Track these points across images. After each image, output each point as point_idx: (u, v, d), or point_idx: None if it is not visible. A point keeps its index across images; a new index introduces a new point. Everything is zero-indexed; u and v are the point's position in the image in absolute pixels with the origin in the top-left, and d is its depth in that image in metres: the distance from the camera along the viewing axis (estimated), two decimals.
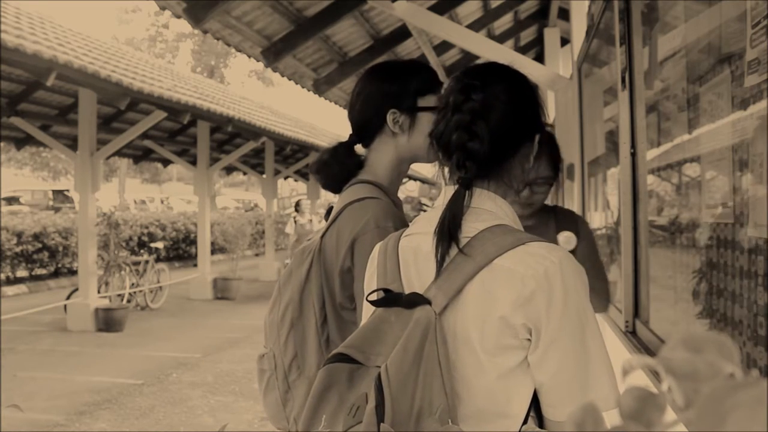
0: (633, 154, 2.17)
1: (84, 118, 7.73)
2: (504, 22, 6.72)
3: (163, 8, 3.66)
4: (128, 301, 8.72)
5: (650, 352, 1.88)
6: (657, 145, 2.07)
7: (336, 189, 1.45)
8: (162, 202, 32.74)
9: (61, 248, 12.06)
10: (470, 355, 0.96)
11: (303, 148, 12.93)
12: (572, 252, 1.85)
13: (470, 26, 5.62)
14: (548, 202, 2.03)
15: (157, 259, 10.66)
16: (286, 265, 10.96)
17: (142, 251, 12.51)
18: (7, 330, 7.28)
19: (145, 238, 13.83)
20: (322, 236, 1.37)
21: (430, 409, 0.90)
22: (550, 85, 3.96)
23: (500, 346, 0.95)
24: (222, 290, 10.51)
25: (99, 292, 8.24)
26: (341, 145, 1.44)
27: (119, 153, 11.75)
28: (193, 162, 11.38)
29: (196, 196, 11.10)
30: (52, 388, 5.38)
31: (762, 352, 1.14)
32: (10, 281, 11.25)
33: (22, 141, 10.07)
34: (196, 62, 36.61)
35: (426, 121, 1.36)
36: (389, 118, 1.37)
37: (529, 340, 0.94)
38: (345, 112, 1.51)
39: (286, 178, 16.58)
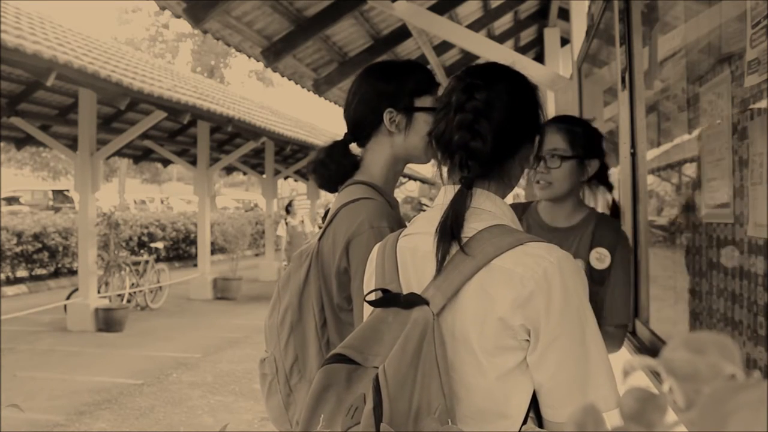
0: (633, 154, 2.17)
1: (84, 118, 7.73)
2: (504, 22, 6.71)
3: (163, 8, 3.66)
4: (128, 301, 8.72)
5: (650, 352, 1.88)
6: (657, 145, 2.07)
7: (332, 189, 1.45)
8: (162, 202, 32.73)
9: (61, 248, 12.06)
10: (469, 355, 0.96)
11: (303, 148, 12.93)
12: (603, 272, 1.69)
13: (470, 26, 5.62)
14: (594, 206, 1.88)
15: (157, 259, 10.65)
16: (285, 267, 10.76)
17: (142, 251, 12.51)
18: (7, 330, 7.28)
19: (145, 238, 13.82)
20: (319, 239, 1.37)
21: (428, 410, 0.90)
22: (550, 85, 3.96)
23: (499, 346, 0.94)
24: (222, 290, 10.51)
25: (99, 292, 8.24)
26: (336, 144, 1.44)
27: (119, 153, 11.75)
28: (193, 162, 11.38)
29: (196, 196, 11.10)
30: (52, 388, 5.37)
31: (762, 352, 1.14)
32: (10, 281, 11.25)
33: (22, 141, 10.07)
34: (196, 62, 36.59)
35: (422, 122, 1.36)
36: (386, 117, 1.37)
37: (527, 340, 0.94)
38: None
39: (286, 178, 16.57)
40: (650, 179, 2.14)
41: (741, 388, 0.26)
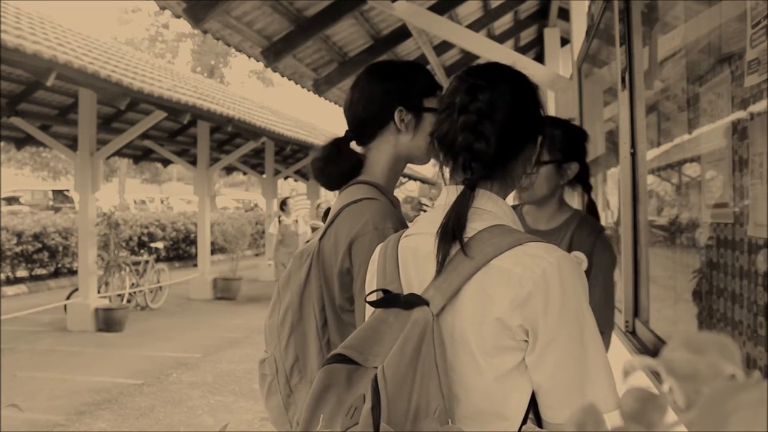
0: (633, 154, 2.17)
1: (84, 118, 7.73)
2: (504, 22, 6.72)
3: (163, 8, 3.66)
4: (128, 301, 8.72)
5: (650, 352, 1.88)
6: (657, 145, 2.07)
7: (336, 187, 1.44)
8: (162, 202, 32.74)
9: (61, 248, 12.06)
10: (468, 356, 0.96)
11: (303, 148, 12.93)
12: None
13: (470, 26, 5.62)
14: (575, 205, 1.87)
15: (157, 259, 10.65)
16: (269, 265, 10.41)
17: (142, 251, 12.52)
18: (7, 330, 7.28)
19: (145, 238, 13.83)
20: (321, 238, 1.36)
21: (427, 410, 0.90)
22: (550, 85, 3.96)
23: (497, 347, 0.94)
24: (222, 290, 10.50)
25: (99, 292, 8.24)
26: (339, 142, 1.43)
27: (119, 153, 11.75)
28: (193, 162, 11.38)
29: (196, 196, 11.10)
30: (52, 388, 5.37)
31: (762, 352, 1.14)
32: (10, 281, 11.25)
33: (22, 141, 10.07)
34: (196, 62, 36.60)
35: (429, 123, 1.35)
36: (396, 115, 1.36)
37: (526, 341, 0.94)
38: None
39: (286, 178, 16.56)
40: (650, 179, 2.14)
41: (741, 388, 0.26)
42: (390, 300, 1.01)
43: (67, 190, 25.41)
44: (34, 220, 12.10)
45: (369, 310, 1.07)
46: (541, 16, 6.77)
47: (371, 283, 1.13)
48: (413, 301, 0.98)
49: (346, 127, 1.44)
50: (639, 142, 2.14)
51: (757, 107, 1.15)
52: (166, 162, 13.94)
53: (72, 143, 9.32)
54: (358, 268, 1.28)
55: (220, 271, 11.40)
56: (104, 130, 9.39)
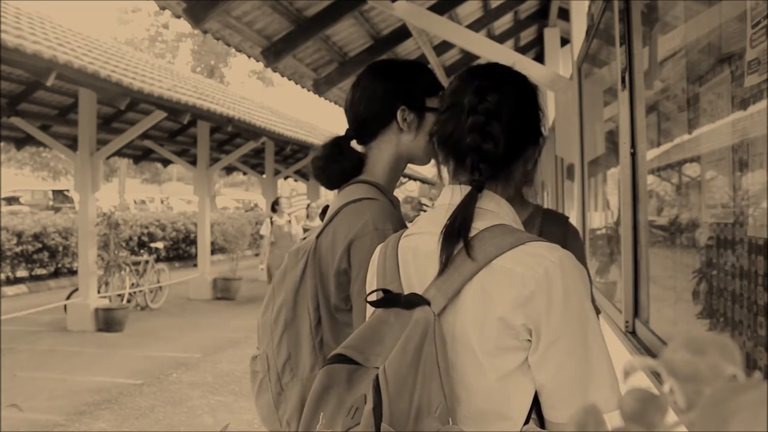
0: (633, 154, 2.17)
1: (84, 118, 7.73)
2: (504, 22, 6.72)
3: (163, 8, 3.66)
4: (128, 301, 8.72)
5: (650, 352, 1.88)
6: (657, 145, 2.07)
7: (336, 187, 1.42)
8: (162, 202, 32.75)
9: (61, 248, 12.06)
10: (470, 356, 0.96)
11: (303, 148, 12.93)
12: None
13: (470, 26, 5.62)
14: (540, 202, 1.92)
15: (157, 259, 10.65)
16: (262, 270, 10.08)
17: (142, 251, 12.51)
18: (7, 330, 7.28)
19: (145, 238, 13.83)
20: (318, 236, 1.35)
21: (428, 411, 0.90)
22: (550, 85, 3.96)
23: (500, 347, 0.94)
24: (222, 290, 10.50)
25: (99, 292, 8.24)
26: (340, 141, 1.41)
27: (119, 153, 11.76)
28: (193, 162, 11.38)
29: (196, 196, 11.10)
30: (52, 388, 5.37)
31: (762, 352, 1.14)
32: (10, 281, 11.25)
33: (22, 141, 10.08)
34: (196, 62, 36.60)
35: (431, 123, 1.34)
36: (399, 115, 1.35)
37: (529, 341, 0.93)
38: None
39: (286, 178, 16.58)
40: (650, 179, 2.13)
41: (742, 389, 0.26)
42: (391, 300, 1.01)
43: (67, 190, 25.42)
44: (34, 220, 12.10)
45: (369, 309, 1.07)
46: (541, 16, 6.77)
47: (371, 283, 1.13)
48: (414, 301, 0.97)
49: (346, 127, 1.43)
50: (639, 142, 2.14)
51: (757, 107, 1.15)
52: (166, 162, 13.94)
53: (72, 143, 9.32)
54: (357, 269, 1.27)
55: (220, 271, 11.40)
56: (104, 130, 9.39)
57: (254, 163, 15.09)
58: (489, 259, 0.94)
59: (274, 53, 4.42)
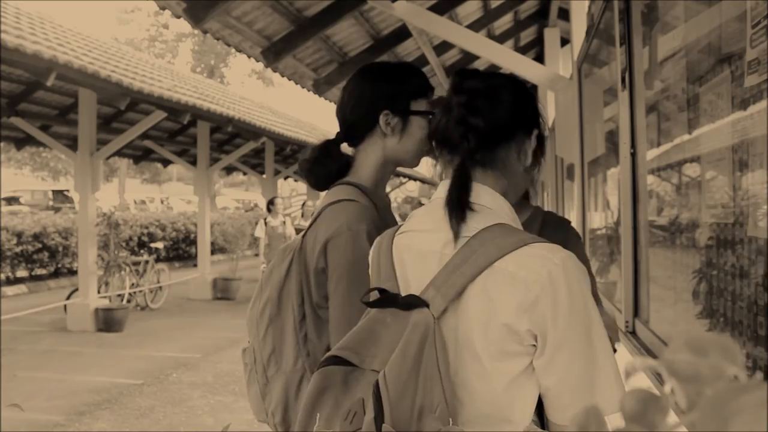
0: (633, 154, 2.17)
1: (84, 118, 7.73)
2: (504, 22, 6.72)
3: (163, 8, 3.66)
4: (128, 301, 8.72)
5: (650, 352, 1.88)
6: (657, 145, 2.07)
7: (324, 188, 1.45)
8: (162, 202, 32.75)
9: (61, 248, 12.06)
10: (473, 360, 0.94)
11: (303, 148, 12.88)
12: None
13: (470, 26, 5.62)
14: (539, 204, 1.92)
15: (157, 259, 10.64)
16: (262, 270, 10.09)
17: (142, 251, 12.51)
18: (7, 330, 7.28)
19: (145, 238, 13.82)
20: (304, 235, 1.39)
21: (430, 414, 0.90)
22: (550, 85, 3.96)
23: (505, 352, 0.93)
24: (222, 290, 10.50)
25: (99, 292, 8.24)
26: (329, 143, 1.44)
27: (119, 153, 11.75)
28: (193, 162, 11.38)
29: (196, 196, 11.09)
30: (52, 388, 5.37)
31: (762, 352, 1.14)
32: (10, 281, 11.25)
33: (22, 141, 10.07)
34: (196, 62, 36.61)
35: (417, 126, 1.36)
36: (381, 119, 1.36)
37: (534, 345, 0.92)
38: None
39: (286, 178, 16.57)
40: (650, 179, 2.13)
41: (743, 389, 0.26)
42: (387, 300, 1.00)
43: (67, 190, 25.42)
44: (34, 220, 12.09)
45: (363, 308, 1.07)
46: (541, 16, 6.77)
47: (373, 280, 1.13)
48: (412, 302, 0.96)
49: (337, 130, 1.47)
50: (639, 142, 2.14)
51: (757, 107, 1.15)
52: (166, 162, 13.94)
53: (72, 143, 9.31)
54: (333, 268, 1.30)
55: (220, 271, 11.40)
56: (104, 130, 9.39)
57: (254, 163, 15.09)
58: (491, 261, 0.93)
59: (274, 53, 4.42)
